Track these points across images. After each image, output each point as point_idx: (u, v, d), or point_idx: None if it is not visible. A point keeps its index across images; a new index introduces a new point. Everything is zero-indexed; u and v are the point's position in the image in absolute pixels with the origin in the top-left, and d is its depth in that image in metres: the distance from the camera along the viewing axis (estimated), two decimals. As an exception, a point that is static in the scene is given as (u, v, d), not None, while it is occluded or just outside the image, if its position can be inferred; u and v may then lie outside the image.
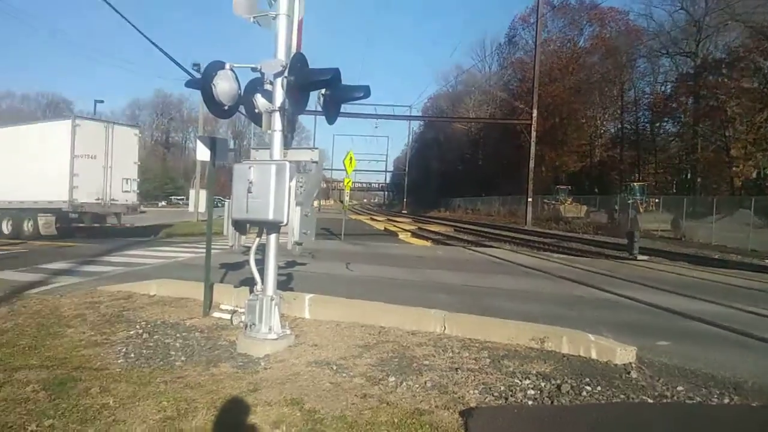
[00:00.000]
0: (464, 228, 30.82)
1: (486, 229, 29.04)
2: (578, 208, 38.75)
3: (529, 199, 34.30)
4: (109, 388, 4.01)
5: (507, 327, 5.71)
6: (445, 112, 72.05)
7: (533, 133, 34.64)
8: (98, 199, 18.57)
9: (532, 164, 34.65)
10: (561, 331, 5.54)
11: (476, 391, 4.15)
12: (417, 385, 4.22)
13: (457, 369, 4.63)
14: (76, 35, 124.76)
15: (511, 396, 4.11)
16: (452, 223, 36.18)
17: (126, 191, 19.42)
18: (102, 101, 43.50)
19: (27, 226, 18.61)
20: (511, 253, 16.29)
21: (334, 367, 4.59)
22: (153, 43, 11.80)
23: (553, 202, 41.91)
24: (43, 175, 17.82)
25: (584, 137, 52.40)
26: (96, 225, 19.83)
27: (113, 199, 18.97)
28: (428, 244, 20.55)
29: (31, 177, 18.00)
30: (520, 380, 4.42)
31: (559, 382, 4.38)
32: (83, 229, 19.68)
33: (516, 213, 42.96)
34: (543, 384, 4.35)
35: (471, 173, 65.51)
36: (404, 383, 4.24)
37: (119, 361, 4.77)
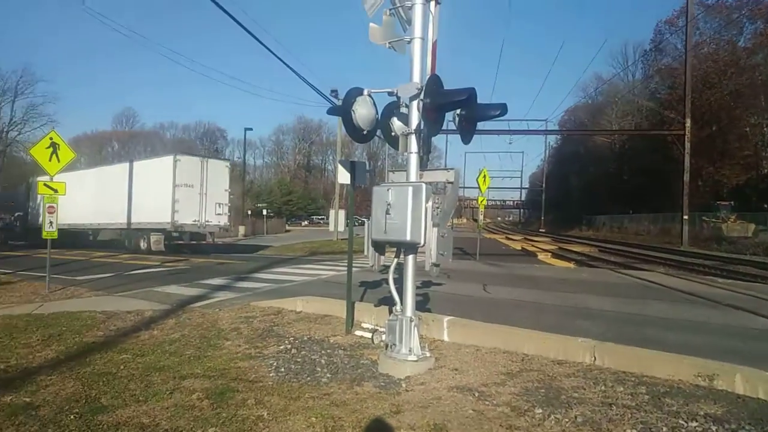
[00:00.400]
0: (610, 248, 28.73)
1: (635, 250, 26.84)
2: (744, 227, 34.38)
3: (685, 217, 31.08)
4: (263, 401, 4.27)
5: (667, 360, 5.14)
6: (584, 125, 68.56)
7: (687, 144, 31.50)
8: (195, 221, 22.03)
9: (686, 178, 31.49)
10: (733, 368, 4.86)
11: (634, 431, 3.77)
12: (566, 420, 3.94)
13: (610, 404, 4.25)
14: (230, 71, 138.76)
15: (676, 438, 3.68)
16: (596, 243, 33.98)
17: (219, 214, 22.91)
18: (251, 129, 48.18)
19: (143, 243, 22.63)
20: (666, 276, 14.85)
21: (476, 394, 4.45)
22: (296, 74, 12.68)
23: (713, 219, 37.66)
24: (153, 201, 21.83)
25: (748, 147, 46.61)
26: (193, 242, 23.14)
27: (207, 221, 22.48)
28: (571, 265, 19.44)
29: (145, 203, 22.26)
30: (686, 421, 3.94)
31: (734, 426, 3.84)
32: (185, 246, 23.02)
33: (669, 232, 39.29)
34: (714, 428, 3.84)
35: (616, 189, 61.27)
36: (552, 416, 3.99)
37: (271, 375, 5.06)
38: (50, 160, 10.76)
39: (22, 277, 13.22)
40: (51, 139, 10.88)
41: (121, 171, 24.14)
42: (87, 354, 5.76)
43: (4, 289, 11.04)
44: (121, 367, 5.29)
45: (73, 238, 25.70)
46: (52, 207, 11.11)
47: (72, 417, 3.93)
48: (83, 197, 24.31)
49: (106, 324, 7.35)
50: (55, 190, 11.07)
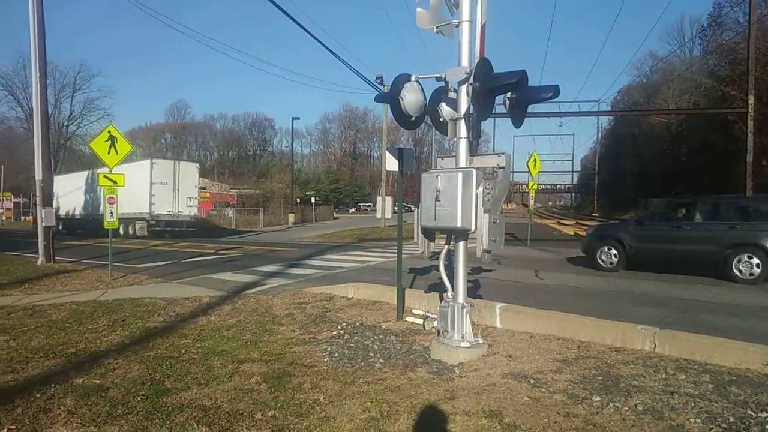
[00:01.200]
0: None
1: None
2: (814, 208, 32.39)
3: (748, 198, 29.47)
4: (319, 385, 4.35)
5: (733, 348, 4.93)
6: (638, 105, 65.99)
7: (750, 122, 29.67)
8: (169, 212, 27.46)
9: (749, 158, 29.69)
10: (806, 357, 4.62)
11: (698, 420, 3.64)
12: (626, 408, 3.84)
13: (672, 393, 4.12)
14: (278, 60, 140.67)
15: (744, 429, 3.53)
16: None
17: (189, 206, 28.48)
18: (298, 118, 48.58)
19: (131, 230, 27.72)
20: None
21: (532, 381, 4.40)
22: (342, 61, 12.70)
23: (781, 200, 35.59)
24: (137, 195, 26.31)
25: (820, 123, 43.67)
26: (168, 229, 28.36)
27: (180, 212, 27.91)
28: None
29: (132, 197, 25.99)
30: (755, 412, 3.77)
31: (809, 419, 3.64)
32: (164, 231, 28.20)
33: (730, 214, 37.41)
34: (786, 419, 3.66)
35: (673, 170, 58.79)
36: (611, 404, 3.90)
37: (325, 360, 5.15)
38: (109, 152, 11.15)
39: (86, 266, 13.90)
40: (109, 132, 11.26)
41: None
42: (150, 339, 6.02)
43: (71, 277, 11.63)
44: (182, 351, 5.50)
45: (88, 225, 31.43)
46: (112, 198, 11.52)
47: (139, 399, 4.12)
48: (94, 193, 30.77)
49: (167, 310, 7.64)
50: (114, 182, 11.47)
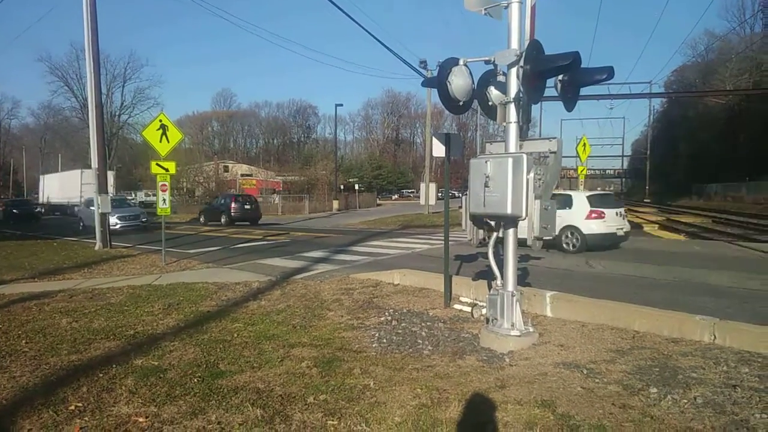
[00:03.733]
0: (725, 219, 26.44)
1: (755, 220, 24.54)
2: None
3: (814, 183, 27.90)
4: (369, 370, 4.38)
5: (800, 341, 4.68)
6: (693, 86, 63.13)
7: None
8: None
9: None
10: None
11: (764, 415, 3.48)
12: (685, 400, 3.71)
13: (734, 386, 3.95)
14: (320, 47, 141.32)
15: (815, 427, 3.35)
16: (709, 213, 31.43)
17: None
18: (341, 105, 49.02)
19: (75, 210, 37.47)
20: (791, 248, 13.47)
21: (584, 371, 4.30)
22: (387, 47, 12.63)
23: None
24: (75, 190, 39.94)
25: None
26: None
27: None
28: (682, 237, 18.17)
29: (74, 191, 40.08)
30: (826, 408, 3.58)
31: None
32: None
33: (794, 200, 35.56)
34: None
35: (730, 155, 56.16)
36: (669, 396, 3.77)
37: (374, 345, 5.19)
38: (160, 141, 11.42)
39: (140, 251, 14.41)
40: (160, 121, 11.52)
41: (69, 175, 43.72)
42: (203, 322, 6.20)
43: (126, 262, 12.10)
44: (235, 335, 5.64)
45: (58, 209, 44.27)
46: (165, 185, 11.81)
47: (195, 380, 4.25)
48: (62, 187, 45.15)
49: (218, 294, 7.85)
50: (167, 170, 11.73)
